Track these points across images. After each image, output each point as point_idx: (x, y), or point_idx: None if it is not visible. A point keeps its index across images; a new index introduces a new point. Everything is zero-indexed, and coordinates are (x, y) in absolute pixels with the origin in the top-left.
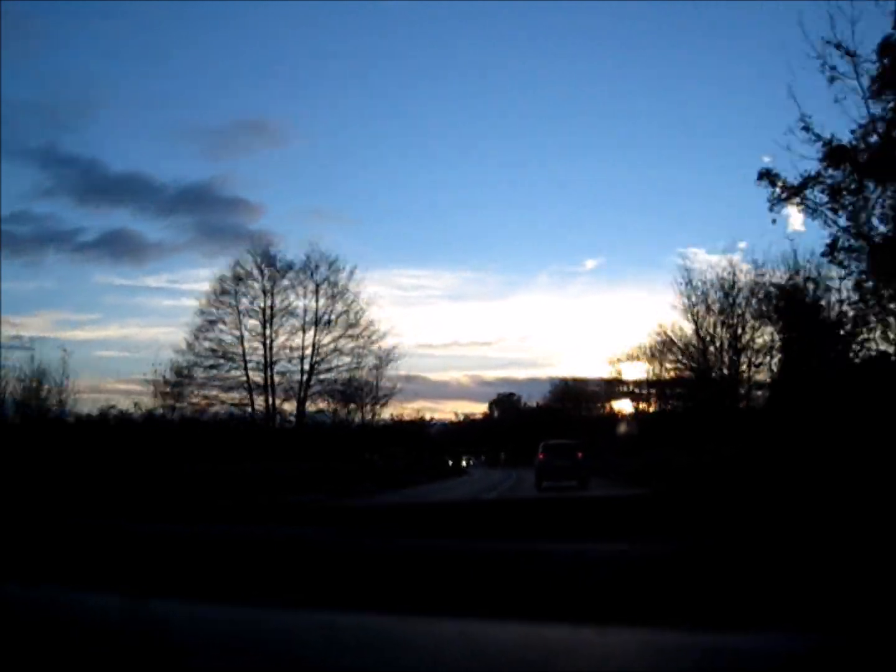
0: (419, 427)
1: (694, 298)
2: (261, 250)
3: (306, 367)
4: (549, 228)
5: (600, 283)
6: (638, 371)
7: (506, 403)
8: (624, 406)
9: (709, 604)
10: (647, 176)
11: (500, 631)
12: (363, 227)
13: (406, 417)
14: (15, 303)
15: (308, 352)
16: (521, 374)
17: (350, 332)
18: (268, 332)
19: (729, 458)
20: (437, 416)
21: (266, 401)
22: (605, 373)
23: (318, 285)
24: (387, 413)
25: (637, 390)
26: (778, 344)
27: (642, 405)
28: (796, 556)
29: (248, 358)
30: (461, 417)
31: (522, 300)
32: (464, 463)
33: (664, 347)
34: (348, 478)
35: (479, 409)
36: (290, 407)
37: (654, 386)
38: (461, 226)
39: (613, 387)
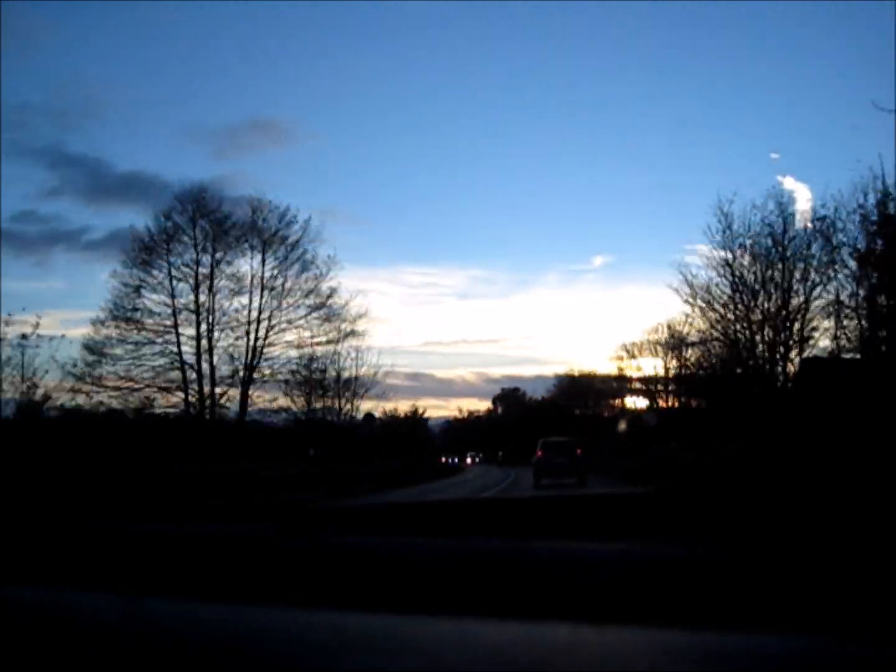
0: (413, 424)
1: (736, 245)
2: (193, 198)
3: (253, 343)
4: (557, 226)
5: (608, 280)
6: (648, 367)
7: (510, 398)
8: (633, 402)
9: (710, 604)
10: (655, 173)
11: (499, 630)
12: (372, 226)
13: (400, 414)
14: (23, 302)
15: (254, 327)
16: (527, 371)
17: (307, 301)
18: (203, 299)
19: (736, 455)
20: (444, 413)
21: (200, 387)
22: (613, 369)
23: (265, 242)
24: (365, 407)
25: (646, 387)
26: (851, 303)
27: (652, 402)
28: (802, 556)
29: (181, 332)
30: (465, 414)
31: (530, 298)
32: (469, 461)
33: (696, 304)
34: (345, 478)
35: (485, 406)
36: (234, 394)
37: (667, 382)
38: (469, 224)
39: (622, 383)
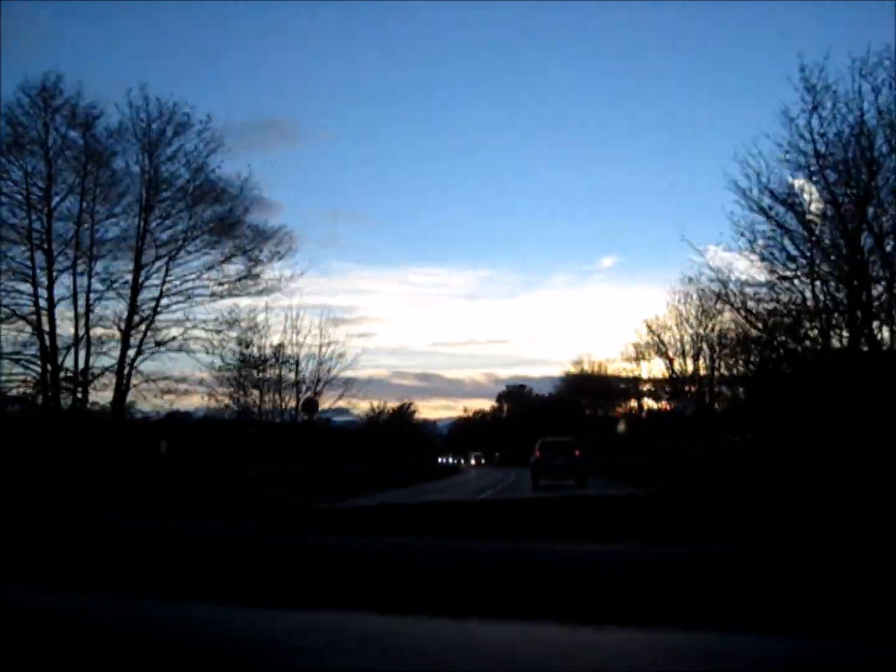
0: (400, 420)
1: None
2: (44, 91)
3: (131, 296)
4: (565, 227)
5: (617, 280)
6: (660, 364)
7: (516, 396)
8: (648, 397)
9: (708, 606)
10: (665, 172)
11: (498, 631)
12: (380, 226)
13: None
14: None
15: (133, 274)
16: (536, 372)
17: (216, 238)
18: (64, 230)
19: (749, 446)
20: (453, 414)
21: (53, 358)
22: (625, 364)
23: (150, 151)
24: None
25: (655, 388)
26: None
27: (675, 393)
28: (804, 555)
29: (39, 282)
30: (469, 413)
31: (538, 298)
32: (473, 461)
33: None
34: (327, 477)
35: (492, 406)
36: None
37: (688, 381)
38: (478, 225)
39: (635, 382)
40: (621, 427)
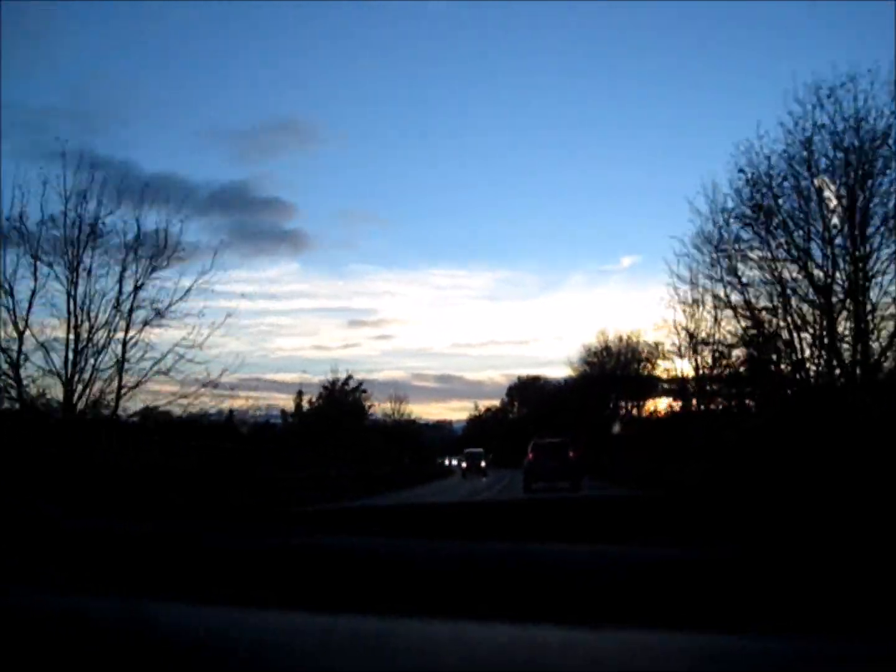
0: (344, 406)
1: None
2: None
3: None
4: (584, 227)
5: (636, 280)
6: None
7: (529, 390)
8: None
9: (712, 609)
10: (682, 171)
11: (496, 633)
12: (397, 228)
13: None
14: None
15: None
16: (554, 373)
17: None
18: None
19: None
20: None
21: None
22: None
23: None
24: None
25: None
26: None
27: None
28: (798, 556)
29: None
30: (480, 411)
31: (558, 299)
32: (467, 463)
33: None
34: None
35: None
36: None
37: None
38: (497, 225)
39: (655, 382)
40: (616, 428)
